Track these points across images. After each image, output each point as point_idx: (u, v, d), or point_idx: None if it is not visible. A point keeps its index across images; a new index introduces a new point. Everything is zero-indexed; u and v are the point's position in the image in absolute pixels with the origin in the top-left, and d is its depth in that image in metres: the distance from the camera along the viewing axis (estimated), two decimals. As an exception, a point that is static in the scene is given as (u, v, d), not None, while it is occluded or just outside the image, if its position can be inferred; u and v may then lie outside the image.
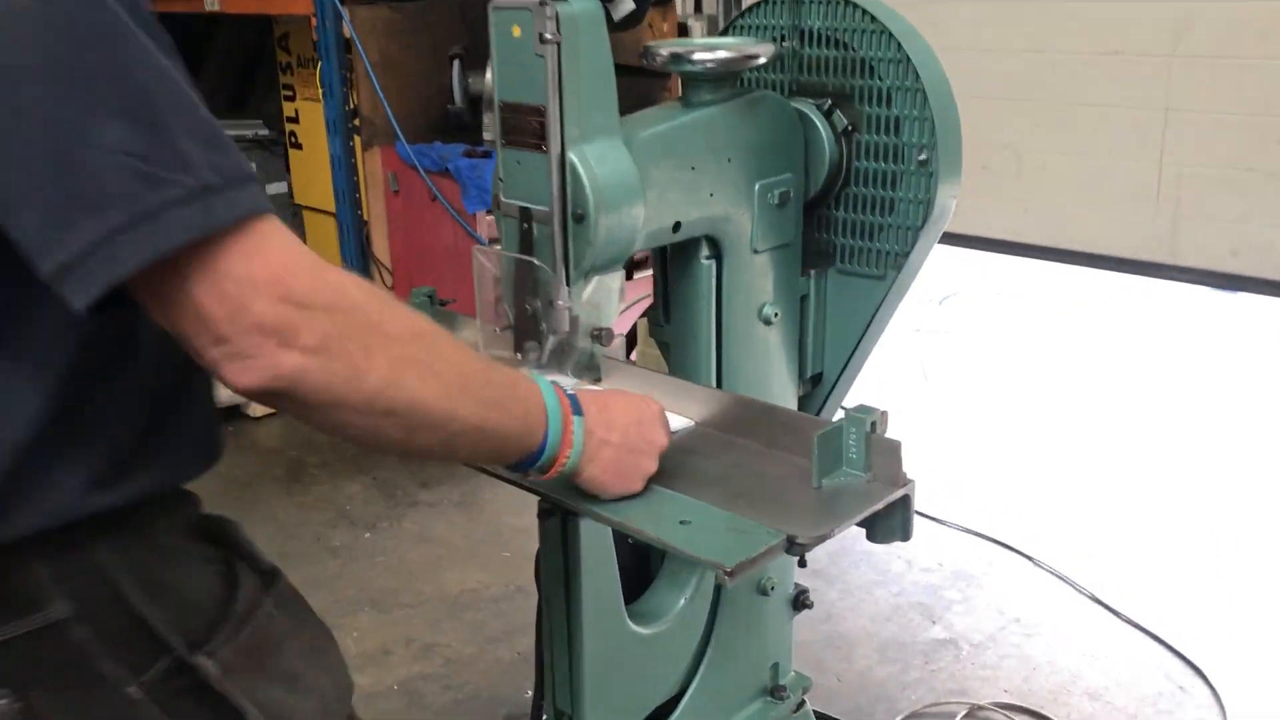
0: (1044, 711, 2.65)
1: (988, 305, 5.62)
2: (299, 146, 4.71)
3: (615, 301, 1.47)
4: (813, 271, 1.75)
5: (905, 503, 1.20)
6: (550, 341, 1.44)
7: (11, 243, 0.89)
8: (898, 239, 1.68)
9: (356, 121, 4.05)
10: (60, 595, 0.99)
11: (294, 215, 5.04)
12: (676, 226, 1.52)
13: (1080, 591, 3.15)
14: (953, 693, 2.74)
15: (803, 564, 1.42)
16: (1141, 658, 2.86)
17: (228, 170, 0.91)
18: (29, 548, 0.97)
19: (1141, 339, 5.08)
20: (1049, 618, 3.04)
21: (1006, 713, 2.65)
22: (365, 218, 4.22)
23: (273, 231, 0.93)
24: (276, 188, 5.16)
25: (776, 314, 1.70)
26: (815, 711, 2.54)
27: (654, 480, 1.26)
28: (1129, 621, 2.99)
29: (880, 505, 1.19)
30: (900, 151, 1.64)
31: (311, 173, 4.61)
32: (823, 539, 1.15)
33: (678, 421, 1.44)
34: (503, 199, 1.45)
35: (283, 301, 0.92)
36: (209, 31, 5.60)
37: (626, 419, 1.24)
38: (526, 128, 1.38)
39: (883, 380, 4.62)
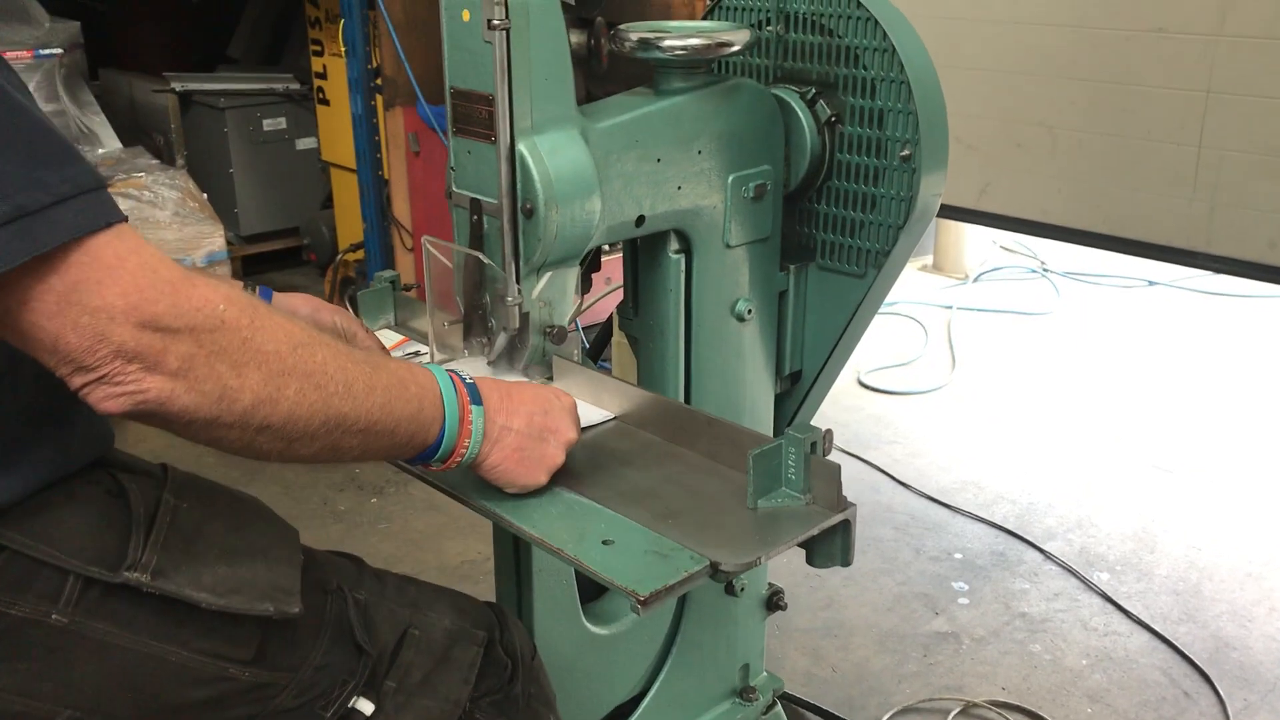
0: (1040, 712, 2.58)
1: (1020, 285, 5.49)
2: (326, 103, 4.69)
3: (569, 299, 1.42)
4: (792, 267, 1.69)
5: (845, 528, 1.14)
6: (500, 338, 1.39)
7: None
8: (879, 237, 1.61)
9: (379, 81, 4.01)
10: None
11: (323, 172, 5.03)
12: (640, 220, 1.47)
13: (1091, 588, 3.07)
14: (949, 688, 2.68)
15: (729, 591, 1.35)
16: (1147, 660, 2.78)
17: (56, 185, 0.86)
18: None
19: (1173, 327, 4.95)
20: (1055, 614, 2.97)
21: (1001, 711, 2.59)
22: (386, 177, 4.18)
23: (127, 248, 0.89)
24: (307, 143, 5.15)
25: (750, 310, 1.64)
26: (807, 702, 2.52)
27: (585, 492, 1.22)
28: (1138, 621, 2.91)
29: (816, 530, 1.13)
30: (883, 146, 1.57)
31: (337, 130, 4.58)
32: (749, 566, 1.10)
33: (596, 414, 1.39)
34: (454, 189, 1.39)
35: (143, 327, 0.89)
36: (245, -17, 5.59)
37: (531, 407, 1.21)
38: (476, 116, 1.33)
39: (909, 356, 4.56)
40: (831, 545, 1.15)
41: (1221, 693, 2.63)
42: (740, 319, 1.63)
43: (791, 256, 1.69)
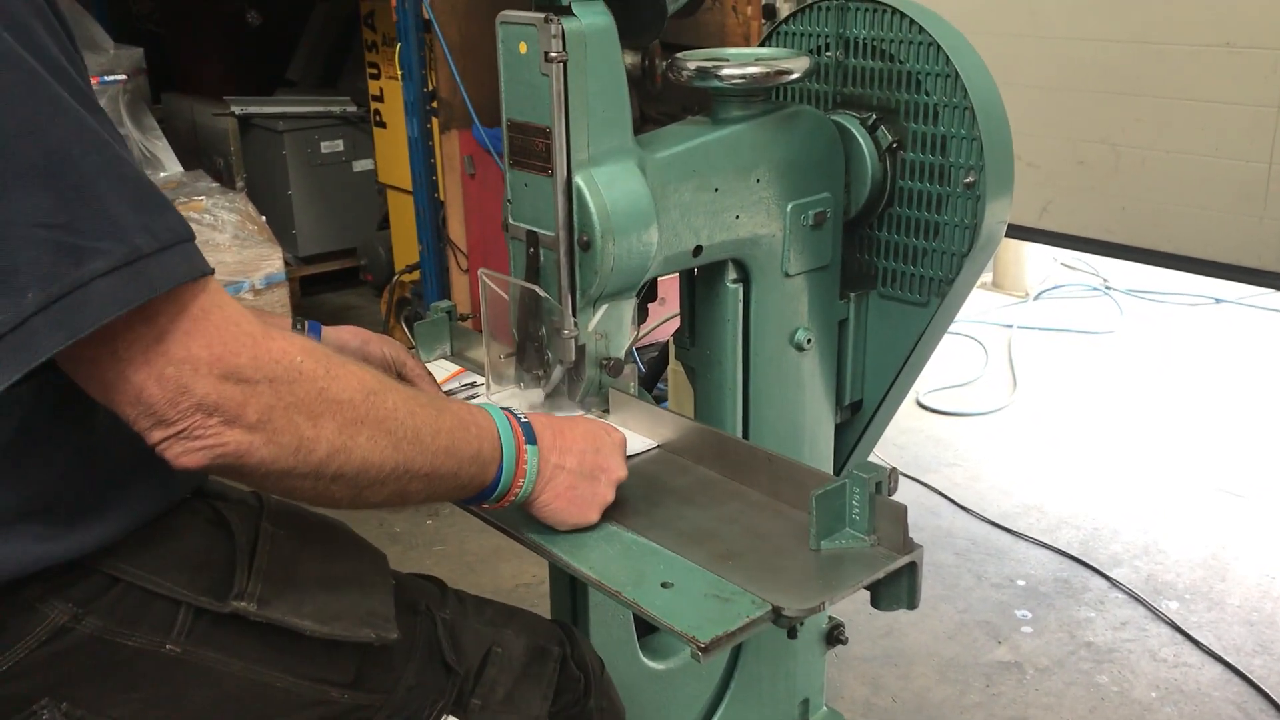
0: (1107, 747, 2.52)
1: (1082, 303, 5.39)
2: (383, 125, 4.73)
3: (626, 331, 1.40)
4: (853, 295, 1.66)
5: (912, 570, 1.11)
6: (556, 370, 1.38)
7: None
8: (942, 264, 1.57)
9: (434, 104, 4.03)
10: (56, 601, 0.98)
11: (379, 194, 5.07)
12: (697, 251, 1.44)
13: (1160, 617, 2.99)
14: (1011, 718, 2.62)
15: (791, 635, 1.33)
16: (1219, 694, 2.70)
17: (161, 232, 0.86)
18: (9, 584, 0.96)
19: (1241, 346, 4.83)
20: (1123, 644, 2.89)
21: (1067, 746, 2.52)
22: (442, 199, 4.20)
23: (212, 302, 0.90)
24: (364, 165, 5.20)
25: (810, 339, 1.61)
26: (865, 733, 2.47)
27: (644, 531, 1.20)
28: (1209, 652, 2.83)
29: (881, 574, 1.10)
30: (946, 172, 1.54)
31: (394, 152, 4.61)
32: (812, 612, 1.07)
33: (640, 443, 1.38)
34: (510, 221, 1.38)
35: (225, 379, 0.89)
36: (306, 7, 5.65)
37: (583, 445, 1.20)
38: (533, 149, 1.31)
39: (968, 376, 4.49)
40: (897, 588, 1.12)
41: (1298, 728, 2.56)
42: (799, 348, 1.60)
43: (852, 284, 1.66)
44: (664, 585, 1.09)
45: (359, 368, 1.01)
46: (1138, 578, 3.16)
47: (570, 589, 1.50)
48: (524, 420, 1.18)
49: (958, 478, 3.74)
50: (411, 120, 4.12)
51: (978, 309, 5.26)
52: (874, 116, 1.59)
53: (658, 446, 1.39)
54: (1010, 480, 3.73)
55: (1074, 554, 3.28)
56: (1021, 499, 3.59)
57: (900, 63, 1.55)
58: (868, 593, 1.18)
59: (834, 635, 1.80)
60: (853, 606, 2.85)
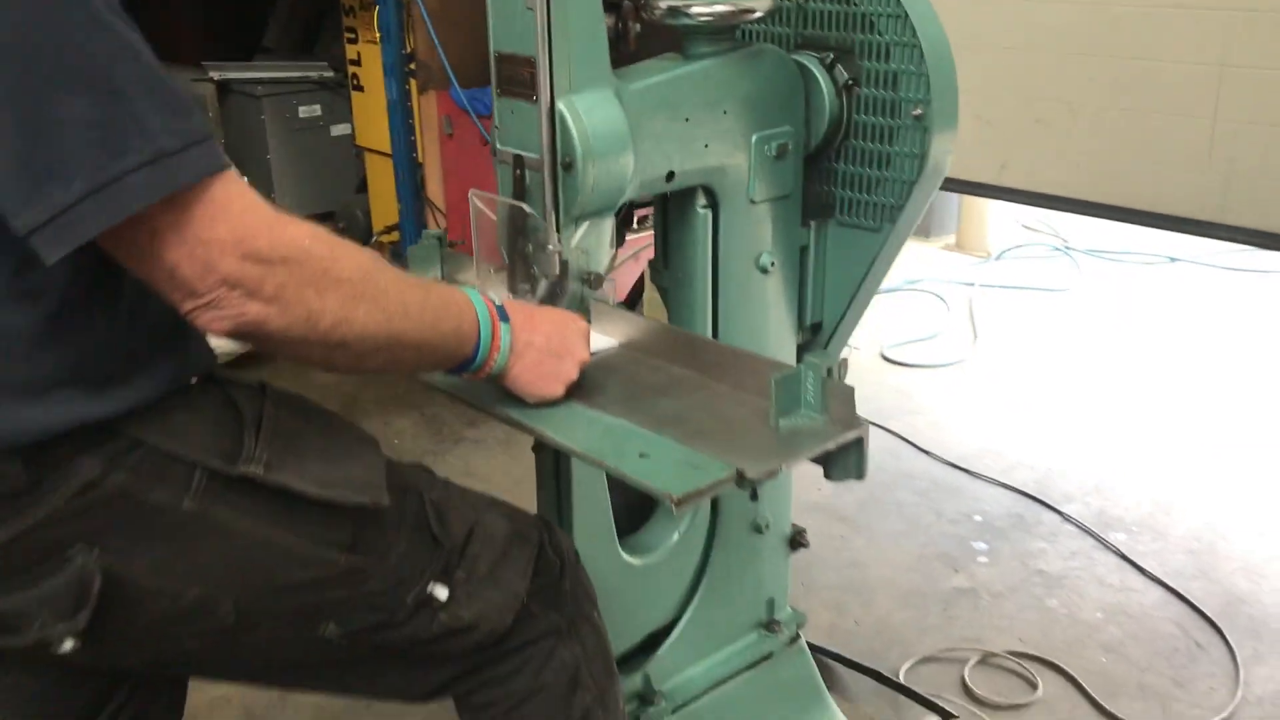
0: (1057, 661, 2.68)
1: (1042, 262, 5.56)
2: (361, 89, 4.81)
3: (606, 248, 1.53)
4: (813, 223, 1.80)
5: (859, 444, 1.26)
6: (542, 285, 1.51)
7: None
8: (893, 192, 1.71)
9: (413, 66, 4.13)
10: (88, 458, 1.11)
11: (356, 157, 5.17)
12: (670, 176, 1.58)
13: (1108, 547, 3.16)
14: (967, 640, 2.78)
15: (753, 497, 1.53)
16: (1161, 614, 2.87)
17: (185, 133, 1.01)
18: (48, 441, 1.09)
19: (1193, 303, 5.02)
20: (1072, 572, 3.07)
21: (1018, 661, 2.69)
22: (420, 160, 4.31)
23: (234, 191, 1.04)
24: (341, 129, 5.29)
25: (773, 263, 1.75)
26: (830, 652, 2.63)
27: (624, 417, 1.34)
28: (1152, 578, 3.01)
29: (832, 445, 1.24)
30: (897, 106, 1.68)
31: (372, 115, 4.70)
32: (772, 474, 1.22)
33: (602, 342, 1.53)
34: (498, 146, 1.51)
35: (245, 259, 1.04)
36: (279, -27, 5.72)
37: (549, 328, 1.37)
38: (519, 78, 1.44)
39: (931, 331, 4.66)
40: (847, 460, 1.27)
41: (1232, 643, 2.73)
42: (764, 271, 1.74)
43: (812, 214, 1.80)
44: (641, 455, 1.24)
45: (358, 250, 1.16)
46: (1088, 513, 3.34)
47: (556, 489, 1.64)
48: (499, 303, 1.34)
49: (919, 424, 3.90)
50: (390, 82, 4.22)
51: (941, 269, 5.43)
52: (831, 56, 1.73)
53: (619, 344, 1.54)
54: (969, 426, 3.90)
55: (1028, 492, 3.45)
56: (979, 443, 3.76)
57: (855, 5, 1.68)
58: (823, 474, 1.33)
59: (796, 540, 1.95)
60: (818, 540, 3.01)
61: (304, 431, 1.24)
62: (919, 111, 1.65)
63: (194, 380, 1.20)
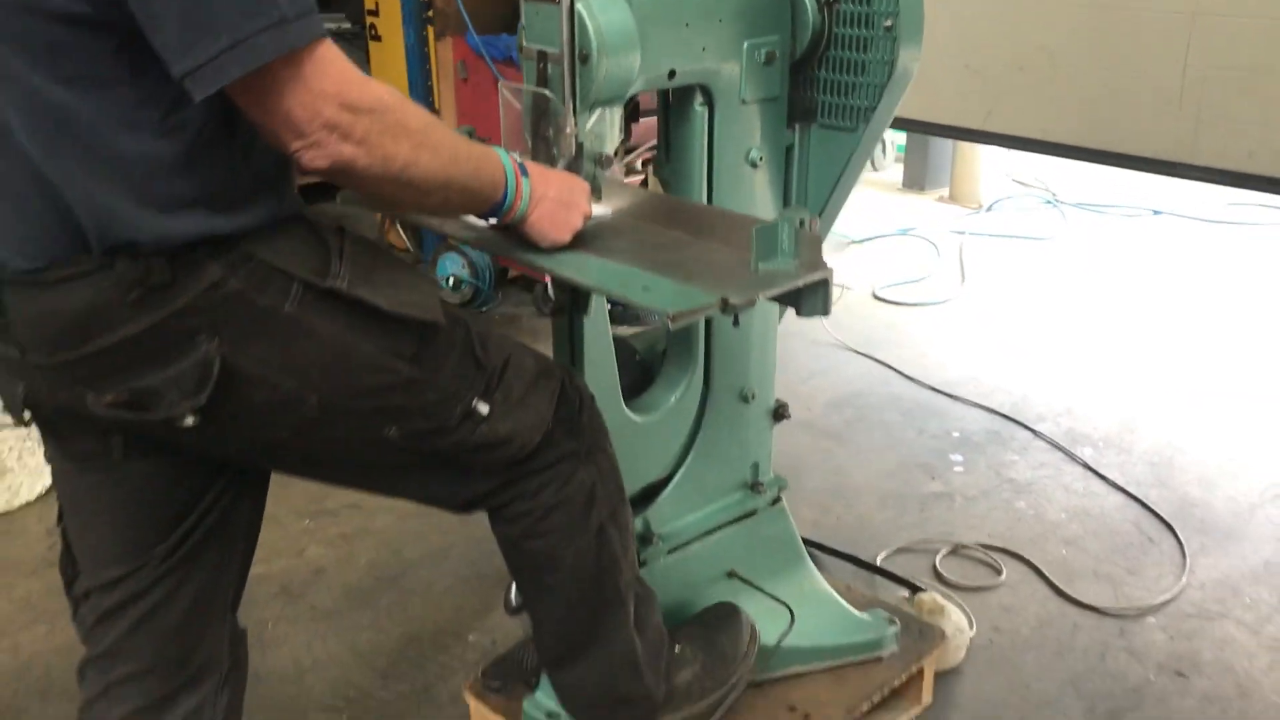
0: (1021, 553, 2.94)
1: (1030, 214, 5.80)
2: (378, 39, 5.03)
3: (614, 134, 1.78)
4: (798, 125, 2.04)
5: (825, 284, 1.51)
6: (560, 164, 1.76)
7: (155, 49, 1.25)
8: (866, 95, 1.95)
9: (430, 13, 4.36)
10: (214, 263, 1.36)
11: (375, 104, 5.39)
12: (671, 74, 1.82)
13: (1075, 460, 3.42)
14: (940, 534, 3.04)
15: (736, 323, 1.85)
16: (1119, 515, 3.13)
17: (302, 5, 1.26)
18: (186, 246, 1.35)
19: (1171, 252, 5.26)
20: (1041, 479, 3.32)
21: (986, 552, 2.94)
22: (436, 106, 4.54)
23: (333, 54, 1.30)
24: (360, 79, 5.51)
25: (762, 158, 1.99)
26: (813, 542, 2.88)
27: (629, 263, 1.59)
28: (1114, 485, 3.26)
29: (801, 283, 1.49)
30: (871, 19, 1.92)
31: (389, 64, 4.93)
32: (751, 302, 1.47)
33: (604, 210, 1.80)
34: (524, 44, 1.76)
35: (342, 108, 1.30)
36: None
37: (559, 183, 1.65)
38: (543, -17, 1.69)
39: (921, 274, 4.90)
40: (815, 298, 1.52)
41: (1182, 539, 2.99)
42: (754, 165, 1.99)
43: (797, 117, 2.04)
44: (644, 289, 1.49)
45: (422, 109, 1.43)
46: (1059, 430, 3.59)
47: (569, 343, 1.89)
48: (520, 160, 1.61)
49: (907, 355, 4.15)
50: (408, 29, 4.46)
51: (934, 219, 5.67)
52: (816, -26, 1.97)
53: (609, 212, 1.81)
54: (953, 357, 4.15)
55: (1004, 412, 3.71)
56: (962, 372, 4.01)
57: (836, -71, 1.93)
58: (795, 313, 1.57)
59: (779, 412, 2.20)
60: (801, 452, 3.24)
61: (375, 264, 1.50)
62: (889, 23, 1.89)
63: (289, 216, 1.46)
